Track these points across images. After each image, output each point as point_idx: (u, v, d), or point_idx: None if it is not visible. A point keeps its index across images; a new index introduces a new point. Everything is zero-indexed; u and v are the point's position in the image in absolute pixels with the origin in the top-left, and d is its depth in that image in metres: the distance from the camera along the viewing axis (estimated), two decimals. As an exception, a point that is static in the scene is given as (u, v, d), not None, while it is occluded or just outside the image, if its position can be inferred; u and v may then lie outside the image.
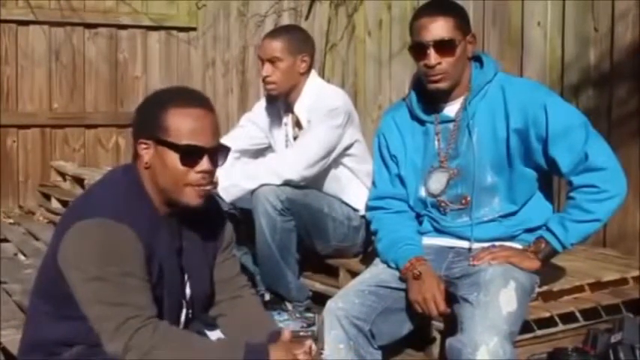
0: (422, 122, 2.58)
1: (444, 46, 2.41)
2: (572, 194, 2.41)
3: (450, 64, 2.43)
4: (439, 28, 2.42)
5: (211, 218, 2.18)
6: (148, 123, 1.99)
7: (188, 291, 2.10)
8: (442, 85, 2.46)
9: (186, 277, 2.09)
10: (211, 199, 2.23)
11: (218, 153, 2.01)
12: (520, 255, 2.42)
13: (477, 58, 2.56)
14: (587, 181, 2.38)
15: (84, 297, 1.88)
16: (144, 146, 1.99)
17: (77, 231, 1.89)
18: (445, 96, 2.52)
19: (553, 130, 2.38)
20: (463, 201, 2.50)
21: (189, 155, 1.95)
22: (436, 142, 2.54)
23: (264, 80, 3.34)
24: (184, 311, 2.09)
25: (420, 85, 2.56)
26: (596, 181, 2.38)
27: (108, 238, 1.87)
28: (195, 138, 1.95)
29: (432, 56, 2.41)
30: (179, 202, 1.99)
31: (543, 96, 2.45)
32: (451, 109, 2.53)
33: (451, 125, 2.52)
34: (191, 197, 1.97)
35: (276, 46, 3.31)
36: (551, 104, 2.41)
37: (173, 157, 1.95)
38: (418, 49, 2.46)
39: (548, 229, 2.42)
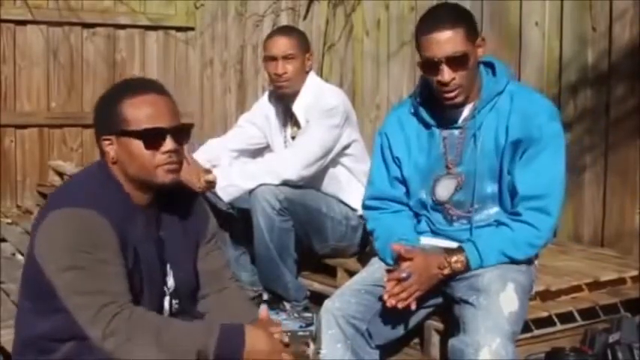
0: (427, 125, 2.54)
1: (457, 61, 2.34)
2: (514, 224, 2.38)
3: (464, 77, 2.37)
4: (450, 42, 2.33)
5: (190, 209, 2.20)
6: (106, 119, 2.03)
7: (171, 281, 2.11)
8: (458, 100, 2.42)
9: (168, 267, 2.10)
10: (191, 191, 2.27)
11: (180, 132, 2.04)
12: (427, 283, 2.36)
13: (489, 64, 2.51)
14: (534, 221, 2.37)
15: (61, 288, 1.90)
16: (107, 142, 2.03)
17: (49, 222, 1.93)
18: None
19: (537, 152, 2.38)
20: (470, 209, 2.48)
21: (152, 138, 1.99)
22: (442, 147, 2.51)
23: (279, 77, 3.32)
24: (167, 300, 2.10)
25: (427, 87, 2.50)
26: (540, 226, 2.37)
27: (79, 226, 1.90)
28: (154, 121, 1.99)
29: (446, 72, 2.35)
30: (153, 185, 2.03)
31: (546, 121, 2.41)
32: (459, 116, 2.50)
33: (457, 132, 2.49)
34: (163, 176, 2.01)
35: (291, 43, 3.33)
36: (548, 135, 2.39)
37: (137, 145, 1.98)
38: (430, 66, 2.38)
39: (476, 249, 2.37)
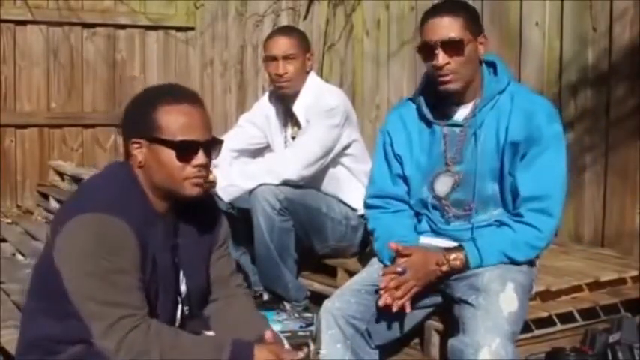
0: (429, 122, 2.55)
1: (452, 46, 2.37)
2: (516, 225, 2.39)
3: (459, 63, 2.39)
4: (447, 27, 2.38)
5: (207, 215, 2.19)
6: (138, 123, 2.00)
7: (183, 287, 2.11)
8: (452, 86, 2.42)
9: (181, 273, 2.09)
10: (208, 196, 2.24)
11: (211, 146, 2.03)
12: (424, 279, 2.37)
13: (491, 63, 2.52)
14: (536, 222, 2.37)
15: (77, 293, 1.89)
16: (136, 146, 2.00)
17: (72, 226, 1.90)
18: (456, 99, 2.49)
19: (538, 154, 2.38)
20: (467, 208, 2.48)
21: (185, 151, 1.96)
22: (442, 145, 2.51)
23: (279, 77, 3.32)
24: (180, 307, 2.10)
25: (429, 84, 2.53)
26: (542, 227, 2.37)
27: (102, 233, 1.88)
28: (189, 133, 1.96)
29: (440, 56, 2.38)
30: (178, 196, 2.01)
31: (546, 123, 2.41)
32: (460, 114, 2.50)
33: (458, 130, 2.49)
34: (190, 189, 1.99)
35: (291, 43, 3.33)
36: (548, 136, 2.39)
37: (168, 154, 1.96)
38: (426, 50, 2.42)
39: (476, 247, 2.38)
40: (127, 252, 1.90)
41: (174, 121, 1.96)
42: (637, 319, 2.66)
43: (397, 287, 2.31)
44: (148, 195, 2.01)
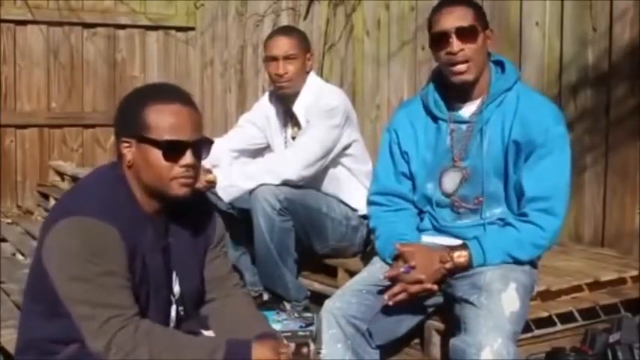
0: (435, 119, 2.57)
1: (466, 33, 2.41)
2: (520, 225, 2.40)
3: (472, 50, 2.42)
4: (460, 16, 2.42)
5: (200, 215, 2.18)
6: (128, 122, 2.00)
7: (177, 288, 2.10)
8: (466, 77, 2.44)
9: (174, 274, 2.09)
10: (201, 196, 2.24)
11: (200, 146, 2.02)
12: (431, 279, 2.37)
13: (498, 62, 2.55)
14: (540, 221, 2.38)
15: (67, 295, 1.90)
16: (126, 145, 2.00)
17: (60, 229, 1.90)
18: (464, 95, 2.50)
19: (543, 155, 2.39)
20: (475, 201, 2.49)
21: (172, 150, 1.96)
22: (449, 141, 2.52)
23: (280, 77, 3.32)
24: (174, 308, 2.10)
25: (438, 81, 2.56)
26: (546, 227, 2.38)
27: (90, 237, 1.88)
28: (176, 133, 1.96)
29: (455, 43, 2.40)
30: (166, 196, 2.00)
31: (552, 125, 2.42)
32: (466, 110, 2.52)
33: (464, 127, 2.51)
34: (177, 189, 1.99)
35: (292, 44, 3.33)
36: (554, 138, 2.41)
37: (156, 154, 1.96)
38: (439, 39, 2.45)
39: (480, 246, 2.38)
40: (114, 254, 1.89)
41: (162, 120, 1.96)
42: (637, 319, 2.66)
43: (404, 289, 2.33)
44: (136, 196, 2.01)
